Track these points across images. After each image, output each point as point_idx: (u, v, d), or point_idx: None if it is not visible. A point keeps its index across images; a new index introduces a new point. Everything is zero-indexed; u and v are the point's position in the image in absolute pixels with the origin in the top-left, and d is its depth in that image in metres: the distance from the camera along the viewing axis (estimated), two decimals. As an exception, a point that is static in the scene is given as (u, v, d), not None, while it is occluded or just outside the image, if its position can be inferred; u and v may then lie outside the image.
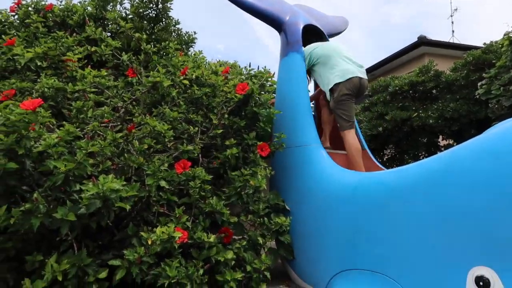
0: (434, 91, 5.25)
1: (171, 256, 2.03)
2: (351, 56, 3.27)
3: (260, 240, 2.63)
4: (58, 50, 2.86)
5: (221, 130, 2.66)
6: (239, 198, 2.39)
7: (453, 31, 22.59)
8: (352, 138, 3.05)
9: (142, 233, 1.90)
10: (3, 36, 2.81)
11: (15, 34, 2.99)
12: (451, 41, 14.57)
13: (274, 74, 2.92)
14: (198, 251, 2.17)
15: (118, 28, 3.41)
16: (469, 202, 1.71)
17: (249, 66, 2.94)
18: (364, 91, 3.27)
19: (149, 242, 1.86)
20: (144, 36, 2.79)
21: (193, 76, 2.88)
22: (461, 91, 4.76)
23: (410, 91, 5.32)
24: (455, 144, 5.18)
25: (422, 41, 13.07)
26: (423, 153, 5.22)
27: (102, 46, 2.64)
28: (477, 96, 4.23)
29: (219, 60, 3.16)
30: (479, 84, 4.26)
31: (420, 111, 4.87)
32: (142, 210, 2.16)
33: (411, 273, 1.95)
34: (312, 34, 3.86)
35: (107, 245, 2.15)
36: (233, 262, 2.28)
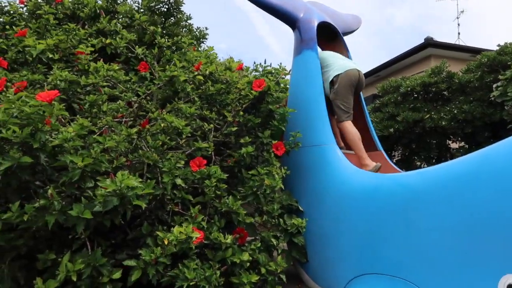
0: (445, 92, 5.17)
1: (186, 257, 1.96)
2: (346, 57, 3.53)
3: (274, 242, 2.56)
4: (69, 43, 2.79)
5: (236, 128, 2.59)
6: (255, 198, 2.31)
7: (459, 33, 22.33)
8: (351, 126, 3.07)
9: (158, 233, 1.83)
10: (14, 27, 2.74)
11: (24, 26, 2.92)
12: (456, 43, 14.46)
13: (289, 71, 2.84)
14: (213, 252, 2.10)
15: (129, 21, 3.34)
16: (502, 207, 1.64)
17: (265, 63, 2.86)
18: (363, 85, 3.38)
19: (166, 242, 1.79)
20: (159, 30, 2.71)
21: (207, 72, 2.82)
22: (475, 93, 4.68)
23: (421, 92, 5.24)
24: (467, 147, 5.10)
25: (429, 43, 12.94)
26: (435, 155, 5.14)
27: (117, 39, 2.57)
28: (492, 98, 4.15)
29: (231, 57, 3.08)
30: (494, 86, 4.18)
31: (433, 113, 4.78)
32: (156, 209, 2.09)
33: (436, 279, 1.88)
34: (326, 32, 3.79)
35: (119, 244, 2.08)
36: (248, 264, 2.22)
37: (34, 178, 1.70)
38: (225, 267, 2.02)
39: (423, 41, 13.16)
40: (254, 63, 2.80)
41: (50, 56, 2.55)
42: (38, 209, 1.60)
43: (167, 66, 2.32)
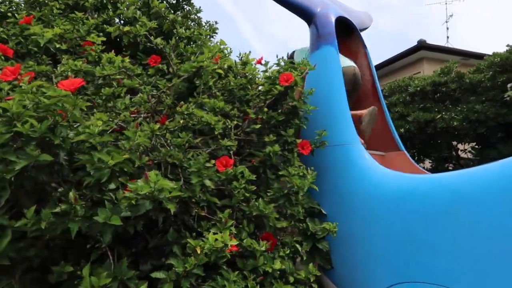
0: (454, 92, 5.07)
1: (216, 267, 1.77)
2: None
3: (299, 248, 2.39)
4: (76, 33, 2.58)
5: (259, 125, 2.41)
6: (286, 200, 2.13)
7: (447, 37, 22.55)
8: None
9: (189, 240, 1.64)
10: (16, 15, 2.51)
11: (27, 14, 2.68)
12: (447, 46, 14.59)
13: (315, 66, 2.68)
14: (244, 261, 1.91)
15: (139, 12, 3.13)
16: None
17: (287, 57, 2.69)
18: (359, 83, 3.41)
19: (198, 251, 1.60)
20: (179, 18, 2.52)
21: (225, 66, 2.64)
22: (487, 92, 4.60)
23: (429, 92, 5.14)
24: (477, 147, 5.02)
25: (422, 45, 12.98)
26: (446, 156, 5.05)
27: (137, 26, 2.36)
28: (507, 98, 4.06)
29: (245, 53, 2.90)
30: (509, 85, 4.10)
31: (443, 113, 4.69)
32: (182, 213, 1.89)
33: (490, 288, 1.73)
34: (342, 28, 3.64)
35: (140, 252, 1.87)
36: (278, 273, 2.03)
37: (51, 179, 1.49)
38: (261, 277, 1.83)
39: (415, 43, 13.19)
40: (277, 56, 2.62)
41: (58, 46, 2.33)
42: (57, 215, 1.39)
43: (193, 57, 2.13)
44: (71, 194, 1.38)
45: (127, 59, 2.42)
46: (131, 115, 2.04)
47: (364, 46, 3.58)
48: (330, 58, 3.15)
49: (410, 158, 3.12)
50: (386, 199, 2.30)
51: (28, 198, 1.47)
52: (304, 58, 2.72)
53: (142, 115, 2.06)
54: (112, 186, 1.56)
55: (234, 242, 1.61)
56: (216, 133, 1.94)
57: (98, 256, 1.66)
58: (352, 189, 2.58)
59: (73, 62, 1.94)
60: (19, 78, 1.49)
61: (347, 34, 3.70)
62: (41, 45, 2.18)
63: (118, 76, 2.26)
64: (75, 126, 1.60)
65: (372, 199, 2.40)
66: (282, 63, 2.67)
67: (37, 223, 1.37)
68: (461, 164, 5.55)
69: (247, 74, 2.71)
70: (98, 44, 2.36)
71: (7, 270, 1.52)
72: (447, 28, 19.71)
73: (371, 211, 2.38)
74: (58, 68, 2.10)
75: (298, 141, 2.52)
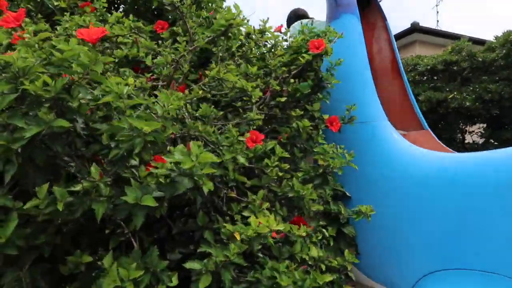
0: (466, 71, 4.90)
1: (251, 256, 1.56)
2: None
3: (326, 233, 2.20)
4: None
5: (285, 98, 2.18)
6: (323, 180, 1.92)
7: (438, 21, 22.53)
8: None
9: (226, 225, 1.41)
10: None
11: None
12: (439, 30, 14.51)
13: (342, 34, 2.44)
14: (279, 248, 1.70)
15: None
16: None
17: (311, 24, 2.44)
18: None
19: (237, 238, 1.37)
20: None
21: (243, 33, 2.37)
22: (500, 71, 4.45)
23: (439, 71, 4.96)
24: (487, 128, 4.90)
25: (415, 28, 12.82)
26: (457, 137, 4.93)
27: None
28: (523, 77, 3.91)
29: (263, 20, 2.63)
30: (525, 64, 3.94)
31: (455, 93, 4.53)
32: (211, 194, 1.66)
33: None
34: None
35: (164, 239, 1.64)
36: (313, 260, 1.84)
37: (64, 151, 1.23)
38: (305, 266, 1.63)
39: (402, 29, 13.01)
40: (301, 23, 2.37)
41: (56, 4, 2.02)
42: (76, 194, 1.14)
43: (219, 14, 1.86)
44: (93, 169, 1.13)
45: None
46: (147, 82, 1.78)
47: (384, 18, 3.34)
48: (352, 27, 2.91)
49: (435, 137, 2.94)
50: (425, 180, 2.12)
51: (39, 174, 1.21)
52: (328, 26, 2.47)
53: (160, 84, 1.79)
54: (134, 162, 1.32)
55: (281, 226, 1.39)
56: (253, 101, 1.70)
57: (118, 244, 1.43)
58: (380, 171, 2.39)
59: (80, 18, 1.65)
60: (24, 28, 1.21)
61: (364, 4, 3.46)
62: (38, 0, 1.87)
63: (127, 40, 1.98)
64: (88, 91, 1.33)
65: (407, 181, 2.21)
66: (306, 31, 2.42)
67: (52, 204, 1.12)
68: (466, 147, 5.45)
69: (266, 42, 2.45)
70: (104, 2, 2.06)
71: (13, 261, 1.27)
72: (437, 12, 19.54)
73: (405, 193, 2.20)
74: (60, 27, 1.80)
75: (326, 116, 2.30)
